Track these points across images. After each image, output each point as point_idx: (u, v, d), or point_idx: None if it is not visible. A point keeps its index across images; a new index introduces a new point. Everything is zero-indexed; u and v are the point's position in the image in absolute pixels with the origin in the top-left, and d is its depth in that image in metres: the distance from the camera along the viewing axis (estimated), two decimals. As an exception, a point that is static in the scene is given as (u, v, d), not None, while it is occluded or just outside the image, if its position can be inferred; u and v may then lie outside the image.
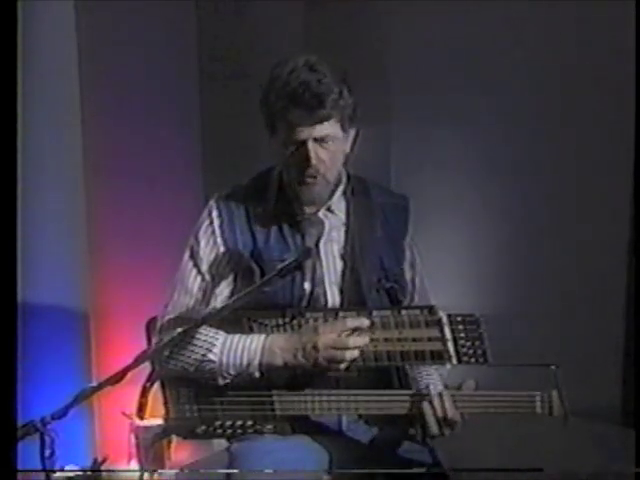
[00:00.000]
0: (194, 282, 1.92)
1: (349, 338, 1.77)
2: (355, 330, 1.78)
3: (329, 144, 1.82)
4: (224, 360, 1.82)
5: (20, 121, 2.04)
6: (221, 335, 1.84)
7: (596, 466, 2.16)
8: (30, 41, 2.74)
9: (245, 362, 1.81)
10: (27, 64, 2.66)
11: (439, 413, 1.79)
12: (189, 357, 1.84)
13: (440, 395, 1.80)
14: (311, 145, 1.80)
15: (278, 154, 1.87)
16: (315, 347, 1.76)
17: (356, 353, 1.77)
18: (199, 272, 1.92)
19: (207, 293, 1.91)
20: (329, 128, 1.81)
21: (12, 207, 1.90)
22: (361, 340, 1.77)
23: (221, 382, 1.85)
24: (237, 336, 1.83)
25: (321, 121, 1.79)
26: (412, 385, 1.96)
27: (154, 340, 1.94)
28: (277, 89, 1.79)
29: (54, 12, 2.91)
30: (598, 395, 2.97)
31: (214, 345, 1.83)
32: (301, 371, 1.80)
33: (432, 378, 1.98)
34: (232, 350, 1.82)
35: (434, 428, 1.80)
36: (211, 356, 1.83)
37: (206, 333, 1.84)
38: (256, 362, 1.80)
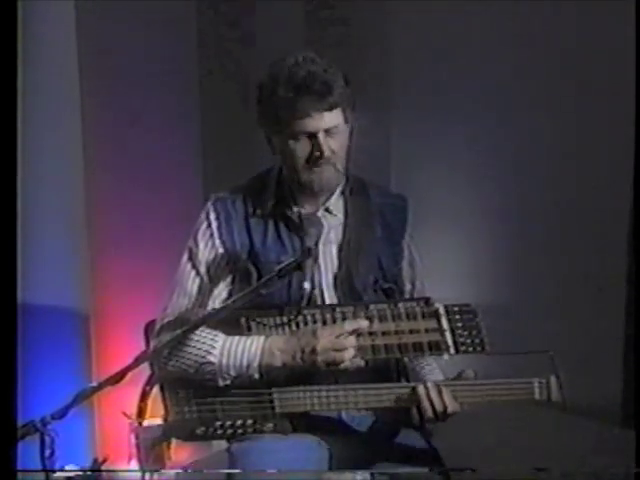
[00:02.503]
0: (193, 284, 1.93)
1: (347, 340, 1.77)
2: (353, 332, 1.78)
3: (337, 135, 1.83)
4: (224, 362, 1.82)
5: (20, 121, 2.04)
6: (220, 337, 1.84)
7: (596, 466, 2.16)
8: (30, 41, 2.74)
9: (245, 364, 1.81)
10: (27, 64, 2.66)
11: (437, 406, 1.79)
12: (189, 359, 1.84)
13: (437, 387, 1.79)
14: (322, 136, 1.81)
15: (284, 152, 1.87)
16: (313, 351, 1.77)
17: (353, 352, 1.78)
18: (198, 274, 1.92)
19: (206, 295, 1.92)
20: (337, 118, 1.82)
21: (12, 207, 1.90)
22: (355, 341, 1.78)
23: (221, 383, 1.85)
24: (237, 338, 1.83)
25: (330, 109, 1.80)
26: (411, 376, 1.96)
27: (152, 342, 1.93)
28: (283, 82, 1.79)
29: (54, 12, 2.91)
30: (598, 395, 2.96)
31: (214, 347, 1.83)
32: (300, 370, 1.81)
33: (432, 367, 1.98)
34: (232, 352, 1.82)
35: (429, 412, 1.79)
36: (211, 358, 1.83)
37: (205, 335, 1.84)
38: (256, 364, 1.81)
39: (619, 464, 1.82)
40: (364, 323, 1.79)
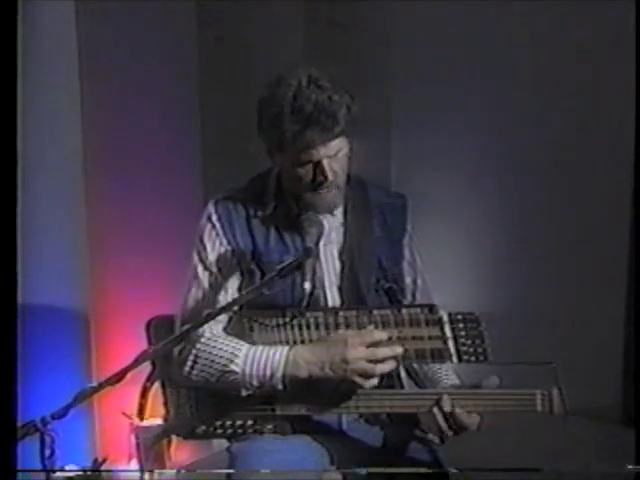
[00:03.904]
0: (207, 282, 1.92)
1: (379, 350, 1.75)
2: (380, 342, 1.76)
3: (340, 155, 1.83)
4: (247, 371, 1.80)
5: (20, 121, 2.03)
6: (244, 346, 1.82)
7: (595, 466, 2.15)
8: (30, 41, 2.74)
9: (268, 374, 1.78)
10: (27, 64, 2.65)
11: (454, 424, 1.78)
12: (211, 367, 1.83)
13: (451, 412, 1.78)
14: (326, 163, 1.81)
15: (287, 173, 1.88)
16: (345, 360, 1.73)
17: (387, 367, 1.75)
18: (211, 273, 1.92)
19: (220, 291, 1.91)
20: (341, 143, 1.82)
21: (12, 207, 1.90)
22: (390, 351, 1.76)
23: (244, 393, 1.83)
24: (260, 347, 1.81)
25: (335, 137, 1.79)
26: (426, 381, 1.96)
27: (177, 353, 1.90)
28: (288, 113, 1.76)
29: (54, 12, 2.91)
30: (598, 395, 2.96)
31: (237, 355, 1.81)
32: (326, 382, 1.77)
33: (445, 371, 1.97)
34: (255, 361, 1.79)
35: (447, 432, 1.79)
36: (233, 367, 1.81)
37: (228, 343, 1.83)
38: (279, 374, 1.78)
39: (619, 464, 1.82)
40: (385, 334, 1.77)
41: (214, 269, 1.91)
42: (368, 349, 1.74)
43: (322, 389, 1.78)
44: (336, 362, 1.74)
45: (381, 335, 1.76)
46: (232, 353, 1.81)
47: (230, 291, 1.90)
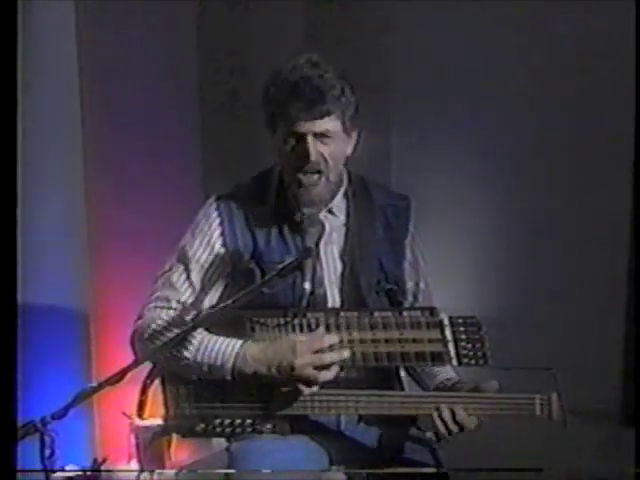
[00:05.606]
0: (178, 278, 1.92)
1: (326, 355, 1.76)
2: (331, 347, 1.77)
3: (329, 140, 1.82)
4: (198, 359, 1.81)
5: (20, 121, 2.03)
6: (201, 334, 1.82)
7: (595, 466, 2.15)
8: (30, 41, 2.74)
9: (218, 364, 1.80)
10: (27, 64, 2.66)
11: (451, 427, 1.78)
12: (166, 350, 1.82)
13: (451, 411, 1.78)
14: (311, 139, 1.80)
15: (279, 153, 1.87)
16: (291, 366, 1.75)
17: (330, 375, 1.77)
18: (186, 269, 1.92)
19: (193, 290, 1.91)
20: (329, 123, 1.81)
21: (12, 207, 1.90)
22: (337, 356, 1.77)
23: (194, 379, 1.85)
24: (215, 337, 1.82)
25: (321, 116, 1.79)
26: (423, 376, 1.96)
27: (135, 324, 1.93)
28: (278, 83, 1.81)
29: (54, 12, 2.91)
30: (598, 395, 2.96)
31: (191, 343, 1.82)
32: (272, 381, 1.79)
33: (447, 372, 1.97)
34: (207, 350, 1.81)
35: (445, 433, 1.80)
36: (186, 353, 1.82)
37: (185, 329, 1.82)
38: (228, 366, 1.80)
39: (619, 464, 1.82)
40: (336, 338, 1.77)
41: (192, 265, 1.91)
42: (315, 355, 1.76)
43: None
44: (282, 366, 1.76)
45: (330, 340, 1.77)
46: (187, 339, 1.81)
47: (206, 290, 1.90)
